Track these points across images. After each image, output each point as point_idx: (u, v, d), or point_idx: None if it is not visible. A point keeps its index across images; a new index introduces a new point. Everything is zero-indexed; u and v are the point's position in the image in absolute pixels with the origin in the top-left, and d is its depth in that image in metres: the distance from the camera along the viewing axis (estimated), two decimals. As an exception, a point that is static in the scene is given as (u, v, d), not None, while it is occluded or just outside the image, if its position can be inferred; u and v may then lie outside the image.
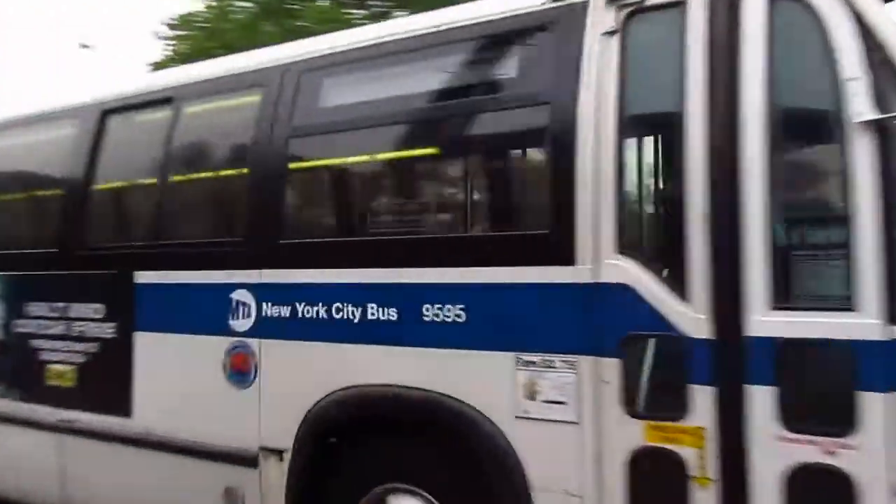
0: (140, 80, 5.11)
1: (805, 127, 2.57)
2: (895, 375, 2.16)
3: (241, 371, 3.44)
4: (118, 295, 3.91)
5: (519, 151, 3.57)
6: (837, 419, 2.20)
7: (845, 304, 2.23)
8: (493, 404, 2.76)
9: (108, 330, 3.93)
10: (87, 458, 4.00)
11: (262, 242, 3.44)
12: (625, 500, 2.49)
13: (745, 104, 2.40)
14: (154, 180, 3.91)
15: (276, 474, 3.29)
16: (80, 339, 4.04)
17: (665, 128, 3.06)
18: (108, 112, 4.08)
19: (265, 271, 3.39)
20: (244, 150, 3.63)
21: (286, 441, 3.24)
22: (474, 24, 3.08)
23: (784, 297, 2.32)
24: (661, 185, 3.62)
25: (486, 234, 3.41)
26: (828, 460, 2.19)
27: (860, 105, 2.23)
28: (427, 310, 2.91)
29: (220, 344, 3.51)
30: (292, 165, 3.50)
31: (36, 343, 4.26)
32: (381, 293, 3.04)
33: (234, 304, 3.47)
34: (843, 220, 2.27)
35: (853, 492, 2.16)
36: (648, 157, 3.50)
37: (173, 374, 3.68)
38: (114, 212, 4.43)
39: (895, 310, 2.18)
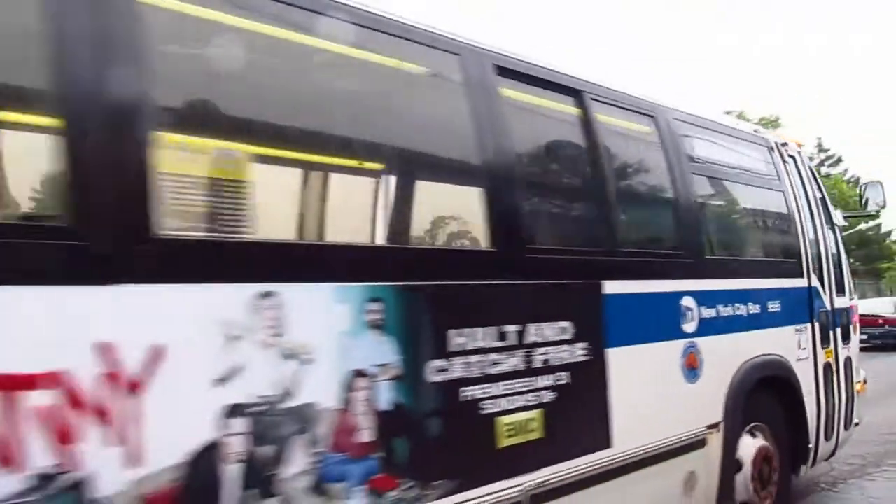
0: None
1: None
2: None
3: (692, 367, 4.01)
4: (586, 308, 3.37)
5: (763, 222, 5.29)
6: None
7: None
8: (788, 354, 4.89)
9: (578, 352, 3.30)
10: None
11: (697, 257, 4.11)
12: (822, 386, 5.21)
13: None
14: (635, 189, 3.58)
15: (715, 445, 4.13)
16: (544, 370, 3.13)
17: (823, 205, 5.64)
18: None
19: (701, 281, 4.12)
20: (669, 177, 4.04)
21: (719, 414, 4.17)
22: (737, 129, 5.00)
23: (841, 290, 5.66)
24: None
25: (780, 260, 5.09)
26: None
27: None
28: (769, 304, 4.71)
29: (676, 347, 3.92)
30: (702, 195, 4.25)
31: (475, 391, 2.83)
32: (752, 295, 4.56)
33: (682, 310, 3.99)
34: None
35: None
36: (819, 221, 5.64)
37: (641, 387, 3.66)
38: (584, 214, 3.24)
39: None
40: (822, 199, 5.73)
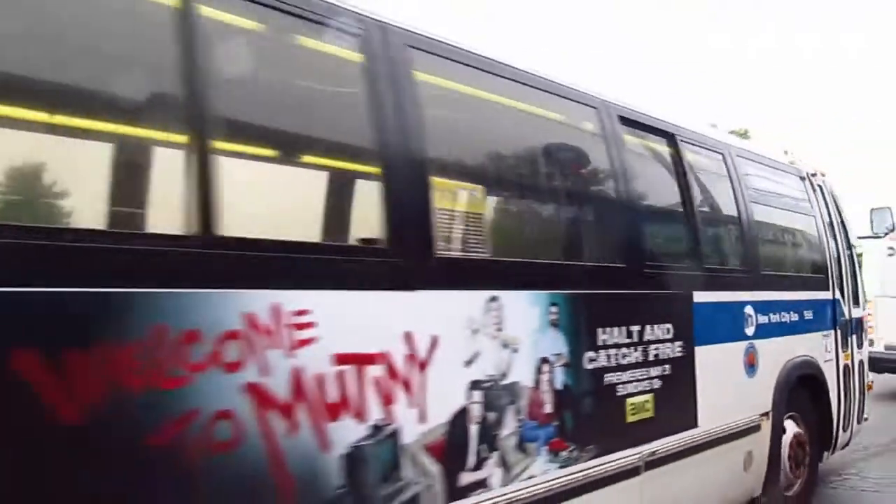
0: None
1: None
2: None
3: (751, 364, 4.81)
4: (680, 314, 4.15)
5: (798, 242, 6.08)
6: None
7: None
8: (818, 356, 5.72)
9: (667, 349, 4.07)
10: (659, 486, 3.91)
11: (755, 272, 4.92)
12: (841, 384, 6.05)
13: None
14: (712, 216, 4.37)
15: (766, 430, 4.93)
16: (651, 362, 3.91)
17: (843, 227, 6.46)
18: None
19: (757, 293, 4.92)
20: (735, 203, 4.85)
21: (769, 404, 4.97)
22: (779, 161, 5.82)
23: (856, 302, 6.53)
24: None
25: (812, 276, 5.91)
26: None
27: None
28: (804, 313, 5.54)
29: (741, 347, 4.72)
30: (757, 219, 5.05)
31: (608, 377, 3.59)
32: (793, 305, 5.38)
33: (745, 316, 4.79)
34: None
35: None
36: (839, 242, 6.46)
37: (718, 379, 4.44)
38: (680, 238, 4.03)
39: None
40: (842, 222, 6.59)
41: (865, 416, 6.67)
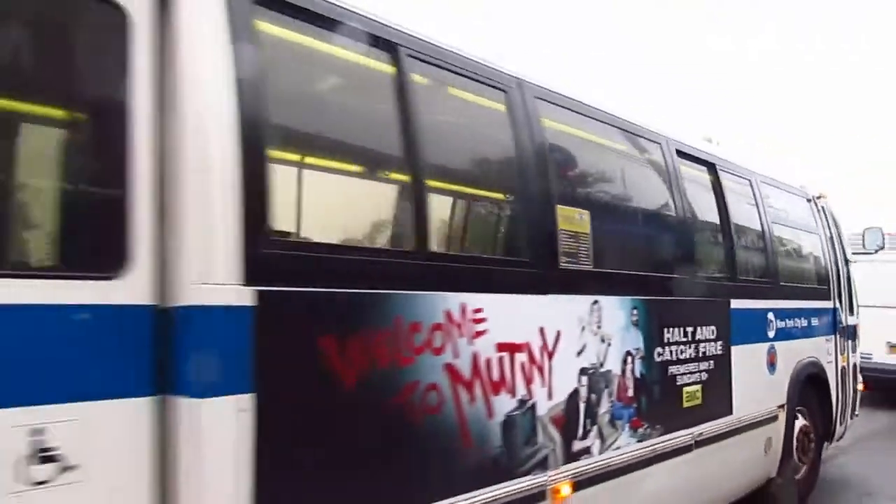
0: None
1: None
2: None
3: (772, 363, 5.57)
4: (721, 318, 4.89)
5: (807, 257, 6.84)
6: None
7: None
8: (822, 357, 6.51)
9: (709, 347, 4.80)
10: (704, 462, 4.64)
11: (776, 283, 5.69)
12: (839, 383, 6.83)
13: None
14: (744, 234, 5.13)
15: (781, 420, 5.69)
16: (695, 359, 4.63)
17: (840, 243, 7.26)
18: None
19: (777, 301, 5.68)
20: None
21: (784, 398, 5.74)
22: (791, 185, 6.61)
23: (851, 311, 7.35)
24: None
25: (817, 287, 6.64)
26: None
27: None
28: (812, 320, 6.32)
29: (764, 347, 5.48)
30: (776, 237, 5.83)
31: (672, 369, 4.32)
32: (804, 312, 6.16)
33: (768, 321, 5.55)
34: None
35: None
36: (838, 256, 7.25)
37: (747, 374, 5.18)
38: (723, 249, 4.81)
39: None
40: (840, 239, 7.40)
41: (856, 412, 7.49)
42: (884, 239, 7.98)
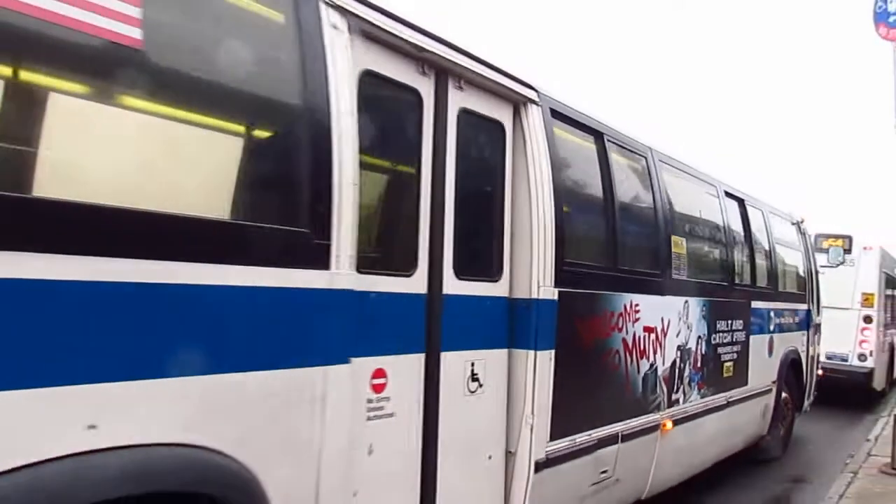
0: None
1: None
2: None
3: (770, 349, 7.44)
4: (745, 315, 6.70)
5: (793, 270, 8.66)
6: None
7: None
8: (799, 347, 8.43)
9: (739, 336, 6.61)
10: (731, 418, 6.44)
11: (776, 289, 7.54)
12: (809, 367, 8.82)
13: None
14: (758, 253, 6.96)
15: (774, 392, 7.58)
16: (731, 343, 6.44)
17: (813, 257, 9.22)
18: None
19: (776, 302, 7.54)
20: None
21: (775, 375, 7.62)
22: (784, 212, 8.50)
23: (818, 312, 9.34)
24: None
25: (799, 293, 8.54)
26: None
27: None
28: (795, 318, 8.23)
29: (767, 337, 7.33)
30: (777, 255, 7.69)
31: (719, 350, 6.10)
32: (791, 312, 8.05)
33: (769, 317, 7.41)
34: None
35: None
36: (811, 268, 9.24)
37: (756, 356, 7.01)
38: (749, 264, 6.58)
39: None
40: (813, 254, 9.37)
41: (815, 392, 9.52)
42: (844, 255, 10.03)
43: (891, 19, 4.97)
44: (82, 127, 1.99)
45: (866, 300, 12.16)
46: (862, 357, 11.92)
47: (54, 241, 1.80)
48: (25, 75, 1.84)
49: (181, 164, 2.24)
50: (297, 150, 2.46)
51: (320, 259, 2.46)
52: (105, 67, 1.98)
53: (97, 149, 2.01)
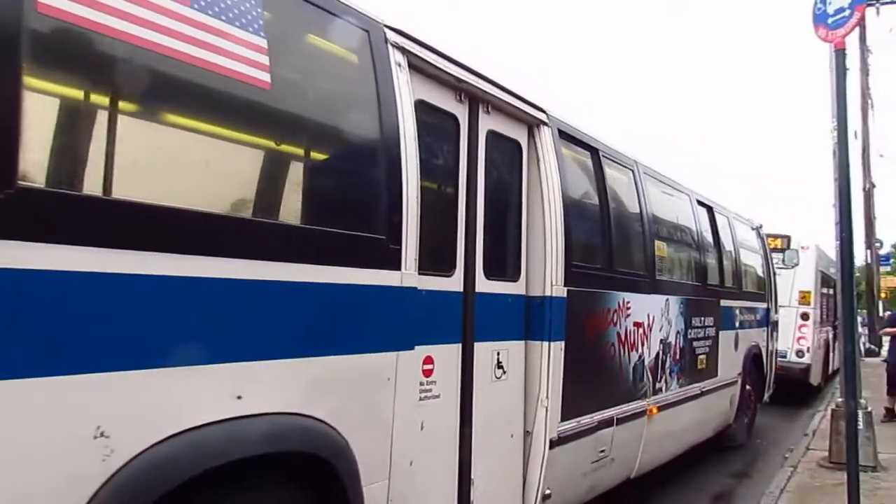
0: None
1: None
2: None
3: (736, 344, 8.10)
4: (715, 312, 7.34)
5: (754, 271, 9.35)
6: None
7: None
8: (761, 343, 9.15)
9: (710, 331, 7.24)
10: (703, 407, 7.06)
11: (741, 289, 8.23)
12: (770, 360, 9.54)
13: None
14: (725, 259, 7.61)
15: (739, 383, 8.25)
16: (704, 338, 7.06)
17: (771, 260, 9.94)
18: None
19: (741, 301, 8.22)
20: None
21: (740, 368, 8.29)
22: (746, 218, 9.22)
23: (776, 311, 10.09)
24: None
25: (760, 292, 9.23)
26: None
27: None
28: (756, 315, 8.94)
29: (733, 333, 8.00)
30: (742, 258, 8.37)
31: (694, 344, 6.71)
32: (753, 310, 8.75)
33: (735, 315, 8.08)
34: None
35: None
36: (770, 270, 9.93)
37: (725, 350, 7.65)
38: (718, 266, 7.19)
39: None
40: (770, 257, 10.13)
41: (773, 385, 10.27)
42: (798, 259, 10.83)
43: (830, 21, 4.76)
44: (233, 156, 2.44)
45: (803, 298, 12.66)
46: (800, 353, 12.43)
47: (224, 247, 2.27)
48: (186, 112, 2.28)
49: (300, 184, 2.69)
50: (378, 169, 2.92)
51: (395, 261, 2.92)
52: (242, 105, 2.42)
53: (248, 175, 2.45)
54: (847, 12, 4.65)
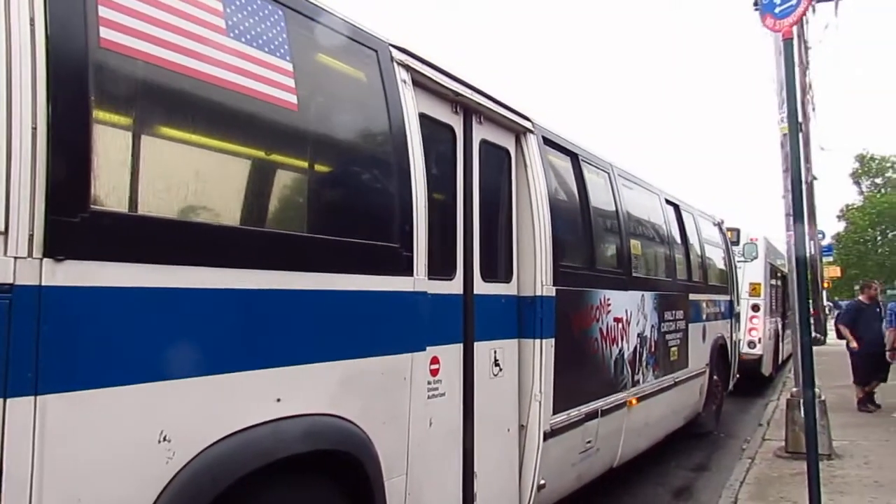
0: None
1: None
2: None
3: (704, 337, 8.47)
4: (685, 306, 7.68)
5: (717, 265, 9.74)
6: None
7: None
8: (725, 334, 9.55)
9: (680, 324, 7.58)
10: (676, 396, 7.39)
11: (707, 283, 8.60)
12: (734, 351, 9.98)
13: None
14: (692, 255, 7.96)
15: (707, 374, 8.63)
16: (675, 331, 7.39)
17: (732, 254, 10.37)
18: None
19: (707, 294, 8.59)
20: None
21: (707, 359, 8.67)
22: (709, 214, 9.61)
23: (738, 302, 10.51)
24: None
25: (723, 285, 9.62)
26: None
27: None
28: (721, 308, 9.35)
29: (700, 325, 8.36)
30: (706, 253, 8.74)
31: (667, 337, 7.03)
32: (718, 303, 9.14)
33: (702, 308, 8.45)
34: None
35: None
36: (731, 264, 10.33)
37: (694, 342, 8.00)
38: (686, 262, 7.49)
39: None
40: (731, 251, 10.57)
41: (737, 374, 10.71)
42: (757, 252, 11.30)
43: (777, 10, 4.77)
44: (274, 176, 2.59)
45: (753, 290, 12.92)
46: (751, 344, 12.71)
47: (270, 259, 2.44)
48: (228, 136, 2.42)
49: (327, 198, 2.86)
50: (392, 181, 3.09)
51: (408, 267, 3.10)
52: (276, 127, 2.58)
53: (288, 193, 2.61)
54: (794, 1, 4.72)
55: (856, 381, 10.58)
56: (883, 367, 10.38)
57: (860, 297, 11.09)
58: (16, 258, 1.73)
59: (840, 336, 11.01)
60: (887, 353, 10.25)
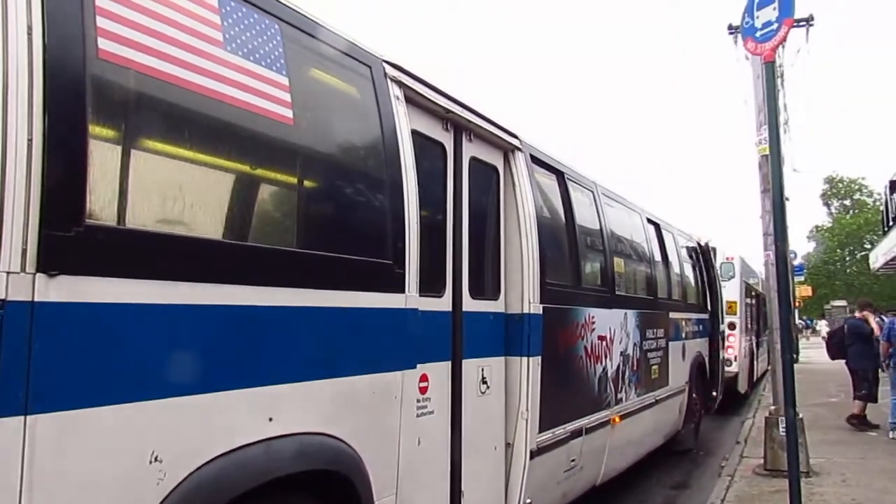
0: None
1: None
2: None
3: (683, 354, 8.53)
4: (665, 324, 7.73)
5: (697, 283, 9.83)
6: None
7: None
8: (705, 352, 9.63)
9: (661, 342, 7.62)
10: (656, 415, 7.42)
11: (686, 302, 8.66)
12: (717, 369, 10.06)
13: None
14: (672, 274, 8.02)
15: (686, 392, 8.66)
16: (656, 349, 7.44)
17: (714, 272, 10.48)
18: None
19: (687, 313, 8.66)
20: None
21: (687, 377, 8.72)
22: (689, 234, 9.72)
23: (722, 321, 10.62)
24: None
25: (703, 303, 9.69)
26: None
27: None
28: (700, 326, 9.43)
29: (680, 344, 8.42)
30: (685, 272, 8.82)
31: (648, 355, 7.06)
32: (698, 321, 9.22)
33: (681, 326, 8.51)
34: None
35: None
36: (714, 281, 10.46)
37: (674, 360, 8.05)
38: (667, 281, 7.53)
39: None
40: (715, 270, 10.68)
41: (720, 394, 10.78)
42: (735, 271, 11.44)
43: (758, 34, 4.90)
44: (270, 193, 2.55)
45: (729, 308, 12.83)
46: (727, 362, 12.50)
47: (264, 276, 2.41)
48: (224, 152, 2.39)
49: (319, 214, 2.82)
50: (385, 197, 3.08)
51: (400, 284, 3.07)
52: (273, 142, 2.55)
53: (281, 209, 2.57)
54: (775, 25, 4.86)
55: (862, 397, 10.60)
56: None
57: (863, 314, 11.00)
58: (8, 273, 1.68)
59: (834, 357, 11.08)
60: (882, 364, 10.31)
